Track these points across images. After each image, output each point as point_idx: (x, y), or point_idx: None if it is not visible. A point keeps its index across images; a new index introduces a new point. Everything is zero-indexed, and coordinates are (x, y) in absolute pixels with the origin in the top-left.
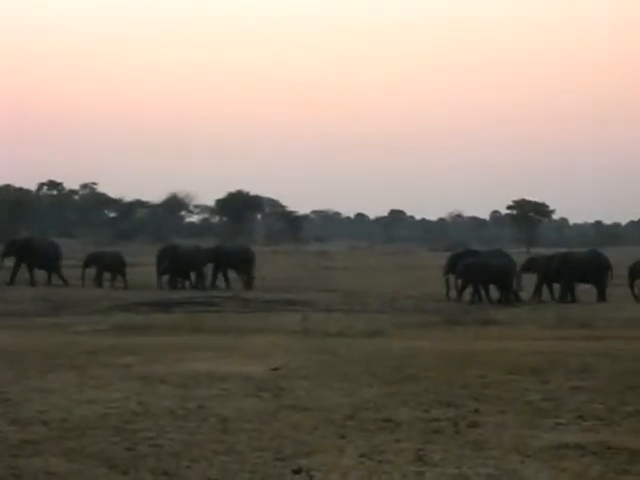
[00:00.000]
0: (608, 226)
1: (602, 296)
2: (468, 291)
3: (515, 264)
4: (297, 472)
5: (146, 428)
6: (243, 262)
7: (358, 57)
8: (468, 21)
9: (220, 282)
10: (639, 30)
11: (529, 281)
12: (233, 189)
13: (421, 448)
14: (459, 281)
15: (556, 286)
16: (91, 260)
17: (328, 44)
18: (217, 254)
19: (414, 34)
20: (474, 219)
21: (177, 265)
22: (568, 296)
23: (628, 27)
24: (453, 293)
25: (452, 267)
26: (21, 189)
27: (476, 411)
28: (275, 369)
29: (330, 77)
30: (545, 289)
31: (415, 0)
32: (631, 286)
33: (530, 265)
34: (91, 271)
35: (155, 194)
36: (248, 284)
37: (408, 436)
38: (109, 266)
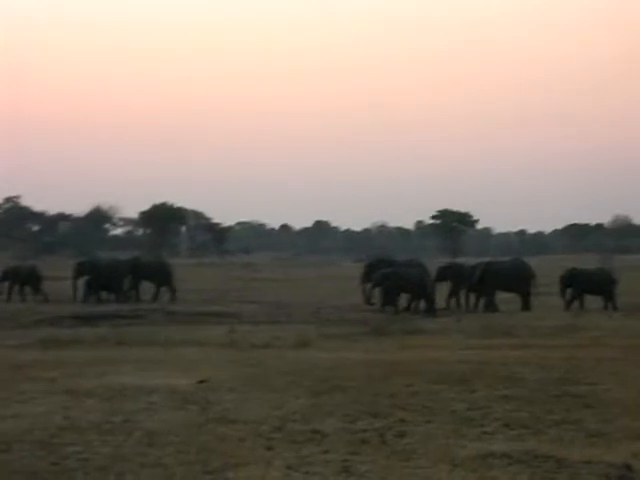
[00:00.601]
0: (532, 235)
1: (526, 305)
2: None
3: (429, 274)
4: None
5: (72, 442)
6: (159, 275)
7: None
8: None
9: (144, 295)
10: (557, 31)
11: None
12: (157, 201)
13: (348, 459)
14: (376, 290)
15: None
16: (6, 274)
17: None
18: (133, 267)
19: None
20: (398, 229)
21: (95, 278)
22: (492, 305)
23: (553, 28)
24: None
25: (367, 276)
26: None
27: (402, 421)
28: (202, 382)
29: (248, 87)
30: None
31: None
32: (562, 295)
33: (443, 274)
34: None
35: (79, 207)
36: (172, 297)
37: (335, 447)
38: (24, 280)
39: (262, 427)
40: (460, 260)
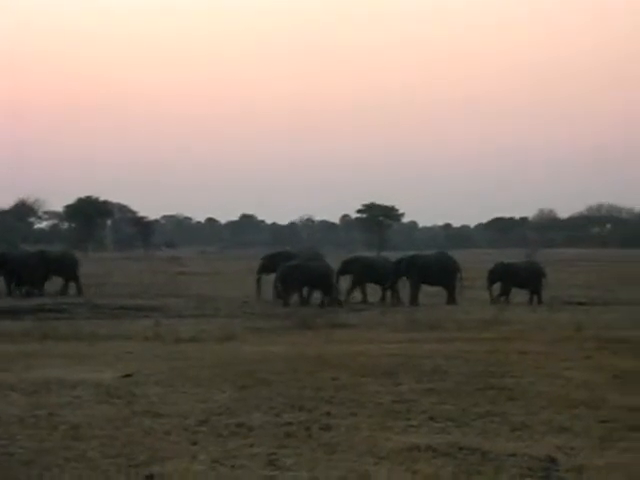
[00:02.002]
0: (457, 229)
1: (452, 298)
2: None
3: (331, 267)
4: (149, 478)
5: None
6: (66, 268)
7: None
8: None
9: (52, 288)
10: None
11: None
12: (82, 195)
13: (274, 452)
14: (279, 284)
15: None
16: None
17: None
18: (40, 260)
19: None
20: (324, 223)
21: (6, 271)
22: (417, 298)
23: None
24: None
25: (265, 267)
26: None
27: (328, 414)
28: (127, 375)
29: (169, 79)
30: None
31: None
32: (489, 288)
33: (346, 267)
34: None
35: (3, 200)
36: (78, 291)
37: (261, 441)
38: None
39: (187, 421)
40: (385, 254)
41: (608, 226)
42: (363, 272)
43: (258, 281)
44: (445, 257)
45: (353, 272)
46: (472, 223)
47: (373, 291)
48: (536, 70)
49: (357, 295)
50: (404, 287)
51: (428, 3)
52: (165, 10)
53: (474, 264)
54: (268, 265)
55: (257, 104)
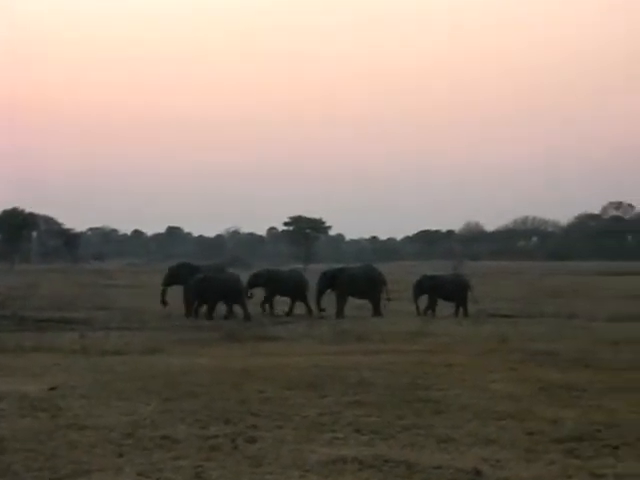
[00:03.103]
0: (384, 241)
1: (377, 310)
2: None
3: (240, 279)
4: None
5: None
6: None
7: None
8: None
9: None
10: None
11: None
12: (8, 207)
13: (199, 465)
14: (190, 296)
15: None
16: None
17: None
18: None
19: None
20: (251, 235)
21: None
22: (343, 311)
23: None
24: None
25: (169, 279)
26: None
27: (254, 427)
28: (52, 388)
29: (102, 92)
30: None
31: None
32: (415, 300)
33: (256, 280)
34: None
35: None
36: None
37: (186, 453)
38: None
39: (112, 433)
40: (313, 266)
41: (534, 239)
42: (271, 285)
43: (163, 293)
44: (371, 270)
45: (262, 285)
46: (399, 236)
47: (286, 304)
48: (442, 80)
49: (285, 308)
50: (323, 300)
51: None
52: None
53: (400, 276)
54: (172, 277)
55: (179, 112)
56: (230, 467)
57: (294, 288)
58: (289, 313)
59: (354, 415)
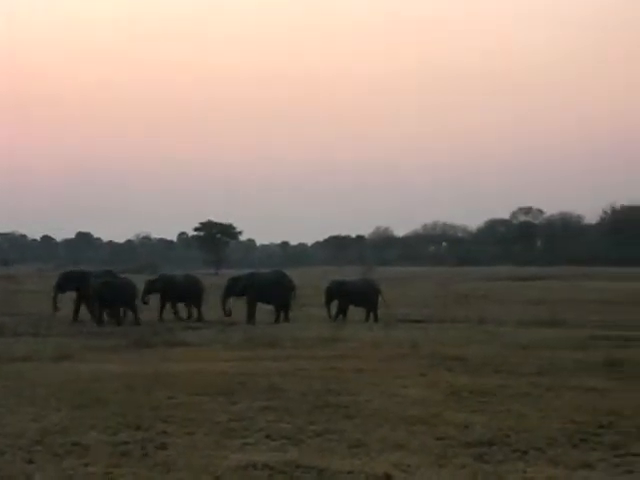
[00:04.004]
0: (294, 247)
1: (286, 316)
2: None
3: (135, 285)
4: None
5: None
6: None
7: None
8: None
9: None
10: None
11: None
12: None
13: (109, 472)
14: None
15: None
16: None
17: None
18: None
19: None
20: (162, 241)
21: None
22: (254, 316)
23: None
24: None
25: (60, 286)
26: None
27: (164, 433)
28: None
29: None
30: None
31: None
32: (327, 306)
33: (151, 286)
34: None
35: None
36: None
37: (96, 459)
38: None
39: (22, 440)
40: (224, 272)
41: (444, 244)
42: (167, 291)
43: (54, 299)
44: (281, 275)
45: (157, 291)
46: (309, 241)
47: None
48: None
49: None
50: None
51: None
52: None
53: (311, 282)
54: (63, 283)
55: (96, 106)
56: (141, 473)
57: (189, 294)
58: (188, 318)
59: (265, 421)
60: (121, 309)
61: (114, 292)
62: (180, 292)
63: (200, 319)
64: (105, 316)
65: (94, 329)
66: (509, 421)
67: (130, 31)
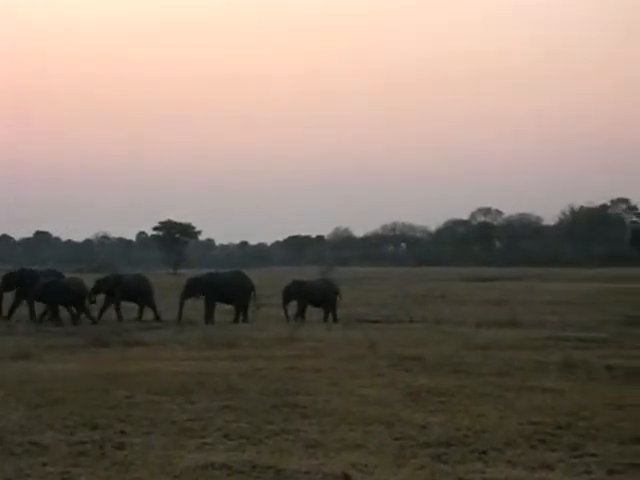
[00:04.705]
0: (254, 246)
1: (245, 316)
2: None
3: (84, 284)
4: None
5: None
6: None
7: None
8: None
9: None
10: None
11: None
12: None
13: (67, 471)
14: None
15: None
16: None
17: None
18: None
19: None
20: (121, 240)
21: None
22: (212, 316)
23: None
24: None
25: (4, 286)
26: None
27: (122, 432)
28: None
29: None
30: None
31: None
32: (285, 306)
33: (101, 286)
34: None
35: None
36: None
37: (54, 459)
38: None
39: None
40: (183, 271)
41: (403, 245)
42: (115, 290)
43: None
44: (240, 275)
45: (107, 291)
46: (269, 241)
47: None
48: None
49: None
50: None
51: None
52: None
53: (271, 282)
54: (6, 283)
55: (56, 104)
56: (98, 473)
57: (140, 293)
58: (139, 318)
59: (223, 421)
60: (75, 308)
61: (57, 291)
62: (129, 292)
63: (156, 318)
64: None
65: (52, 328)
66: (467, 421)
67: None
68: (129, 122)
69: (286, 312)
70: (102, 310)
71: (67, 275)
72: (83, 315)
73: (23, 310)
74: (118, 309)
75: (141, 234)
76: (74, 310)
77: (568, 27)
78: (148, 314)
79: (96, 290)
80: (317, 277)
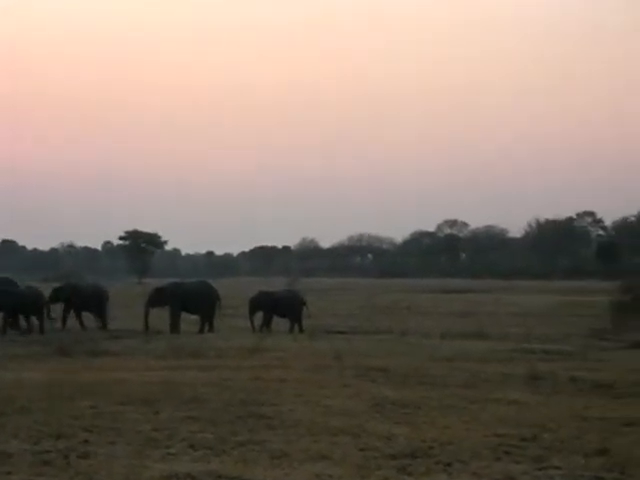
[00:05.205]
0: (220, 256)
1: (211, 326)
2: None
3: (41, 293)
4: None
5: None
6: None
7: None
8: None
9: None
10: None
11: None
12: None
13: None
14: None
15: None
16: None
17: None
18: None
19: None
20: (87, 249)
21: None
22: (177, 326)
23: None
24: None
25: None
26: None
27: (87, 442)
28: None
29: None
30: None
31: None
32: (251, 317)
33: (58, 295)
34: None
35: None
36: None
37: (18, 468)
38: None
39: None
40: (148, 281)
41: (369, 256)
42: (71, 299)
43: None
44: (205, 285)
45: (63, 300)
46: (235, 251)
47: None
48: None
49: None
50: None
51: None
52: None
53: (237, 292)
54: None
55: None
56: None
57: (96, 303)
58: (103, 327)
59: (188, 431)
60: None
61: (15, 300)
62: (85, 301)
63: (104, 327)
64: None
65: (17, 337)
66: (433, 433)
67: None
68: (97, 131)
69: (252, 322)
70: (64, 319)
71: (27, 284)
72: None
73: None
74: (79, 318)
75: (107, 243)
76: (34, 320)
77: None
78: (114, 324)
79: (53, 299)
80: (283, 288)
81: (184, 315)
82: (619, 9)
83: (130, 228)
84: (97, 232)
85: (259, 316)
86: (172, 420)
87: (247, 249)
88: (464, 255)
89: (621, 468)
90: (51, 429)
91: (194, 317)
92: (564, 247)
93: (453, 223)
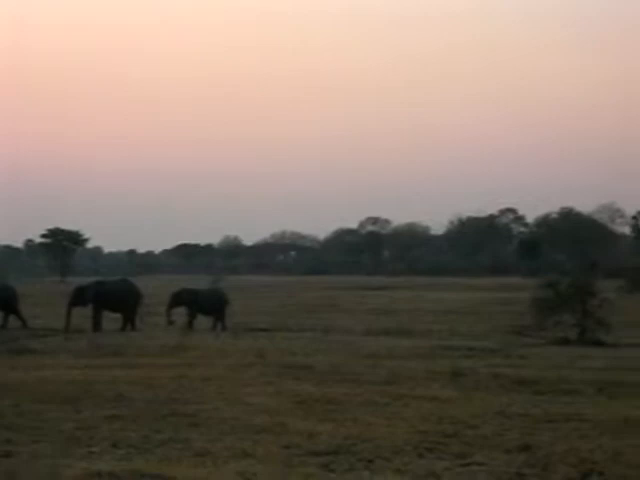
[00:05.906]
0: (142, 254)
1: (133, 325)
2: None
3: None
4: None
5: None
6: None
7: None
8: None
9: None
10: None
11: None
12: None
13: None
14: None
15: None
16: None
17: None
18: None
19: None
20: (8, 248)
21: None
22: (99, 325)
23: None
24: None
25: None
26: None
27: (9, 441)
28: None
29: None
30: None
31: None
32: (168, 312)
33: None
34: None
35: None
36: None
37: None
38: None
39: None
40: (71, 279)
41: (292, 253)
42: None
43: None
44: (127, 283)
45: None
46: (157, 249)
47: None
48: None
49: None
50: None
51: None
52: None
53: (159, 290)
54: None
55: None
56: None
57: (5, 301)
58: (24, 326)
59: (111, 429)
60: None
61: None
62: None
63: (24, 326)
64: None
65: None
66: (355, 430)
67: None
68: (14, 124)
69: (169, 316)
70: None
71: None
72: None
73: None
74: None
75: (29, 242)
76: None
77: None
78: (36, 322)
79: None
80: (207, 286)
81: (106, 313)
82: None
83: (52, 226)
84: (19, 230)
85: (177, 312)
86: (94, 419)
87: (170, 247)
88: (387, 252)
89: (543, 464)
90: None
91: (116, 315)
92: (486, 244)
93: (375, 220)
